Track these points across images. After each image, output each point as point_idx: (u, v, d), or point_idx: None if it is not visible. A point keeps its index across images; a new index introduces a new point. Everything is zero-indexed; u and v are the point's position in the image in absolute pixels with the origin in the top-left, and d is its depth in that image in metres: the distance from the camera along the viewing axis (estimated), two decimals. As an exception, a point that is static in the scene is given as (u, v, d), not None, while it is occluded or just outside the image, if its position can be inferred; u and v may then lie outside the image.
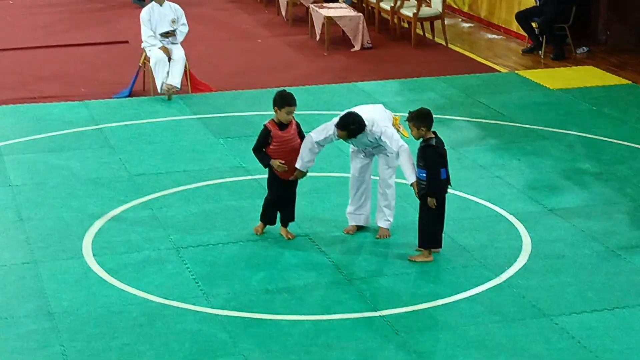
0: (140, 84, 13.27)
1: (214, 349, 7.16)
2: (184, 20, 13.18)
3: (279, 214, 8.91)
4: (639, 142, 11.38)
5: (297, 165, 8.62)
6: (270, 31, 16.95)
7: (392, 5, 16.34)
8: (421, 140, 8.30)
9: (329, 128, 8.61)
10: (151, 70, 12.98)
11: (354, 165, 8.92)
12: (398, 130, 8.73)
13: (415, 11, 15.83)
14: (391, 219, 8.91)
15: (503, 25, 16.75)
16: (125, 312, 7.65)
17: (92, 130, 11.77)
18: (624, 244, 8.80)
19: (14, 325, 7.47)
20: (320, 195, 9.79)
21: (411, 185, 8.36)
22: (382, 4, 16.67)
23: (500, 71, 14.47)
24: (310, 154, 8.60)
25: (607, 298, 7.88)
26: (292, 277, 8.21)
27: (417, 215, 8.47)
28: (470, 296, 7.90)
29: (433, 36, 16.27)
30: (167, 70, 12.92)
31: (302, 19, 17.27)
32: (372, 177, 8.99)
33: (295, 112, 8.64)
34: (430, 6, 16.23)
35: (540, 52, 15.22)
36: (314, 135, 8.60)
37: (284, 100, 8.57)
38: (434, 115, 8.34)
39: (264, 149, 8.63)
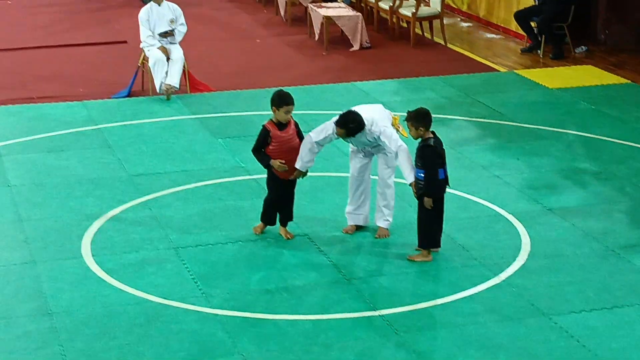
0: (139, 84, 13.27)
1: (213, 349, 7.16)
2: (182, 20, 13.18)
3: (278, 214, 8.91)
4: (638, 142, 11.38)
5: (297, 165, 8.62)
6: (269, 31, 16.95)
7: (391, 4, 16.33)
8: (420, 140, 8.30)
9: (328, 127, 8.61)
10: (150, 70, 12.98)
11: (353, 164, 8.92)
12: (397, 130, 8.73)
13: (414, 11, 15.83)
14: (390, 219, 8.91)
15: (502, 25, 16.75)
16: (125, 312, 7.64)
17: (91, 130, 11.77)
18: (623, 243, 8.80)
19: (13, 325, 7.47)
20: (320, 195, 9.78)
21: (410, 185, 8.36)
22: (380, 4, 16.67)
23: (499, 70, 14.47)
24: (309, 154, 8.60)
25: (606, 297, 7.88)
26: (291, 276, 8.20)
27: (416, 215, 8.47)
28: (469, 295, 7.90)
29: (432, 36, 16.27)
30: (166, 70, 12.92)
31: (301, 19, 17.27)
32: (372, 176, 8.99)
33: (293, 111, 8.64)
34: (429, 6, 16.23)
35: (539, 51, 15.22)
36: (314, 135, 8.60)
37: (282, 100, 8.57)
38: (433, 115, 8.34)
39: (263, 150, 8.63)
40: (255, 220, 9.01)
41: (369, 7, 17.27)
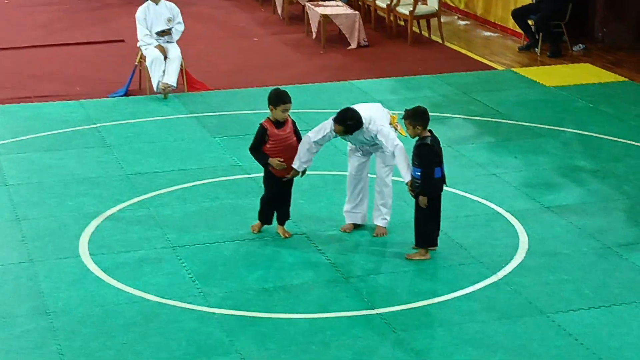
0: (136, 83, 13.26)
1: (211, 348, 7.15)
2: (179, 18, 13.17)
3: (275, 214, 8.90)
4: (636, 139, 11.38)
5: (295, 165, 8.61)
6: (267, 29, 16.94)
7: (388, 3, 16.33)
8: (417, 138, 8.29)
9: (326, 127, 8.61)
10: (147, 69, 12.97)
11: (352, 163, 8.92)
12: (395, 129, 8.73)
13: (411, 9, 15.82)
14: (388, 218, 8.90)
15: (499, 23, 16.75)
16: (122, 311, 7.64)
17: (88, 129, 11.76)
18: (620, 241, 8.80)
19: (10, 324, 7.46)
20: (317, 194, 9.78)
21: (406, 184, 8.36)
22: (378, 2, 16.66)
23: (496, 69, 14.47)
24: (307, 154, 8.60)
25: (604, 295, 7.88)
26: (289, 275, 8.20)
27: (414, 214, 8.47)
28: (467, 294, 7.90)
29: (429, 34, 16.27)
30: (163, 69, 12.92)
31: (298, 17, 17.26)
32: (370, 175, 8.99)
33: (290, 110, 8.63)
34: (426, 4, 16.23)
35: (536, 49, 15.22)
36: (312, 135, 8.60)
37: (279, 98, 8.57)
38: (430, 113, 8.34)
39: (260, 148, 8.62)
40: (253, 219, 9.00)
41: (366, 6, 17.27)
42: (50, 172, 10.41)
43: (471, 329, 7.38)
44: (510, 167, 10.57)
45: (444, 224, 8.62)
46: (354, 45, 15.61)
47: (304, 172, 8.74)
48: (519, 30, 15.76)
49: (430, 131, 8.30)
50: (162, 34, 13.03)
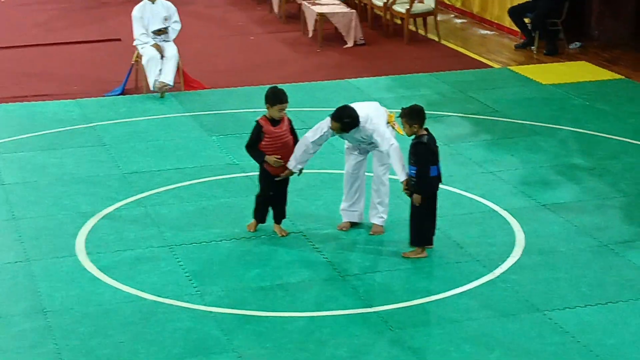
0: (132, 82, 13.25)
1: (208, 346, 7.15)
2: (176, 17, 13.16)
3: (270, 213, 8.90)
4: (632, 137, 11.39)
5: (289, 165, 8.61)
6: (263, 28, 16.94)
7: (385, 1, 16.32)
8: (413, 136, 8.29)
9: (323, 126, 8.61)
10: (144, 68, 12.96)
11: (349, 161, 8.92)
12: (393, 128, 8.73)
13: (407, 7, 15.82)
14: (385, 216, 8.91)
15: (496, 21, 16.75)
16: (119, 310, 7.64)
17: (85, 128, 11.76)
18: (617, 239, 8.81)
19: (7, 324, 7.46)
20: (314, 192, 9.78)
21: (401, 183, 8.36)
22: (374, 0, 16.65)
23: (493, 67, 14.47)
24: (304, 155, 8.60)
25: (600, 293, 7.89)
26: (286, 274, 8.20)
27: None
28: (464, 291, 7.91)
29: (426, 32, 16.27)
30: (160, 68, 12.91)
31: (295, 16, 17.26)
32: (367, 173, 8.99)
33: (287, 109, 8.63)
34: (422, 2, 16.22)
35: (533, 47, 15.23)
36: (309, 135, 8.60)
37: (276, 97, 8.57)
38: (427, 112, 8.34)
39: (256, 145, 8.63)
40: (249, 217, 9.00)
41: (362, 4, 17.26)
42: (47, 171, 10.41)
43: (468, 327, 7.38)
44: (506, 165, 10.58)
45: (440, 222, 8.62)
46: (350, 43, 15.60)
47: (300, 171, 8.73)
48: (515, 28, 15.76)
49: (426, 129, 8.30)
50: (158, 32, 13.03)
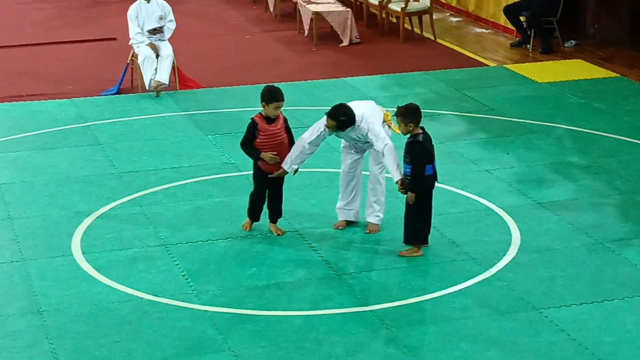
0: (128, 81, 13.24)
1: (203, 346, 7.15)
2: (171, 16, 13.15)
3: (266, 212, 8.90)
4: (627, 135, 11.40)
5: (285, 165, 8.61)
6: (259, 27, 16.93)
7: (380, 0, 16.32)
8: (409, 135, 8.29)
9: (319, 126, 8.61)
10: (139, 67, 12.96)
11: (345, 160, 8.92)
12: (389, 127, 8.73)
13: (403, 6, 15.82)
14: (381, 215, 8.91)
15: (491, 20, 16.76)
16: (115, 309, 7.63)
17: (80, 127, 11.75)
18: (612, 237, 8.82)
19: (2, 324, 7.45)
20: (310, 191, 9.78)
21: (396, 183, 8.36)
22: (370, -1, 16.67)
23: (488, 65, 14.47)
24: (301, 156, 8.59)
25: (596, 291, 7.89)
26: (281, 273, 8.20)
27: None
28: (459, 290, 7.91)
29: (421, 31, 16.27)
30: (155, 67, 12.90)
31: (290, 15, 17.25)
32: (363, 172, 8.99)
33: (283, 107, 8.63)
34: (418, 1, 16.22)
35: (528, 46, 15.23)
36: (306, 136, 8.59)
37: (272, 96, 8.57)
38: (422, 110, 8.33)
39: (251, 143, 8.62)
40: (245, 216, 8.99)
41: (358, 3, 17.26)
42: (42, 170, 10.40)
43: (464, 325, 7.38)
44: (502, 163, 10.58)
45: (436, 220, 8.62)
46: (346, 42, 15.60)
47: (296, 171, 8.73)
48: (510, 26, 15.76)
49: (422, 128, 8.30)
50: (154, 32, 13.02)
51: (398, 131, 8.57)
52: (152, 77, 12.85)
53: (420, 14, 16.14)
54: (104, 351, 7.08)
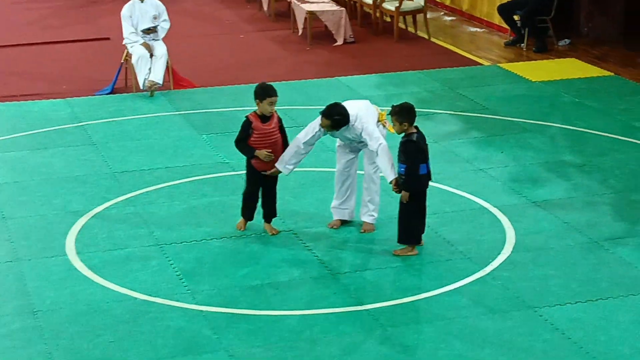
0: (122, 81, 13.23)
1: (198, 345, 7.14)
2: (165, 16, 13.14)
3: (260, 211, 8.89)
4: (622, 134, 11.41)
5: (278, 165, 8.60)
6: (253, 26, 16.92)
7: (374, -1, 16.34)
8: (403, 134, 8.29)
9: (314, 126, 8.61)
10: (133, 67, 12.94)
11: (340, 159, 8.92)
12: (384, 126, 8.72)
13: (397, 5, 15.83)
14: (376, 214, 8.90)
15: (485, 19, 16.77)
16: (110, 309, 7.62)
17: (74, 127, 11.73)
18: (607, 236, 8.82)
19: (-3, 324, 7.45)
20: (305, 191, 9.78)
21: (390, 182, 8.36)
22: (364, -2, 16.67)
23: (482, 64, 14.48)
24: (296, 156, 8.59)
25: (591, 289, 7.90)
26: (276, 272, 8.20)
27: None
28: (454, 289, 7.91)
29: (415, 30, 16.28)
30: (149, 67, 12.89)
31: (284, 14, 17.25)
32: (358, 171, 8.98)
33: (277, 103, 8.62)
34: (412, 0, 16.23)
35: (522, 44, 15.25)
36: (301, 136, 8.59)
37: (265, 92, 8.57)
38: (416, 109, 8.34)
39: (245, 141, 8.62)
40: (239, 216, 8.98)
41: (352, 2, 17.26)
42: (36, 170, 10.38)
43: (459, 324, 7.39)
44: (496, 162, 10.59)
45: (430, 219, 8.62)
46: (340, 41, 15.60)
47: (290, 171, 8.72)
48: (504, 25, 15.78)
49: (416, 127, 8.30)
50: (148, 31, 13.01)
51: (393, 130, 8.57)
52: (146, 77, 12.84)
53: (414, 13, 16.15)
54: (99, 351, 7.07)
